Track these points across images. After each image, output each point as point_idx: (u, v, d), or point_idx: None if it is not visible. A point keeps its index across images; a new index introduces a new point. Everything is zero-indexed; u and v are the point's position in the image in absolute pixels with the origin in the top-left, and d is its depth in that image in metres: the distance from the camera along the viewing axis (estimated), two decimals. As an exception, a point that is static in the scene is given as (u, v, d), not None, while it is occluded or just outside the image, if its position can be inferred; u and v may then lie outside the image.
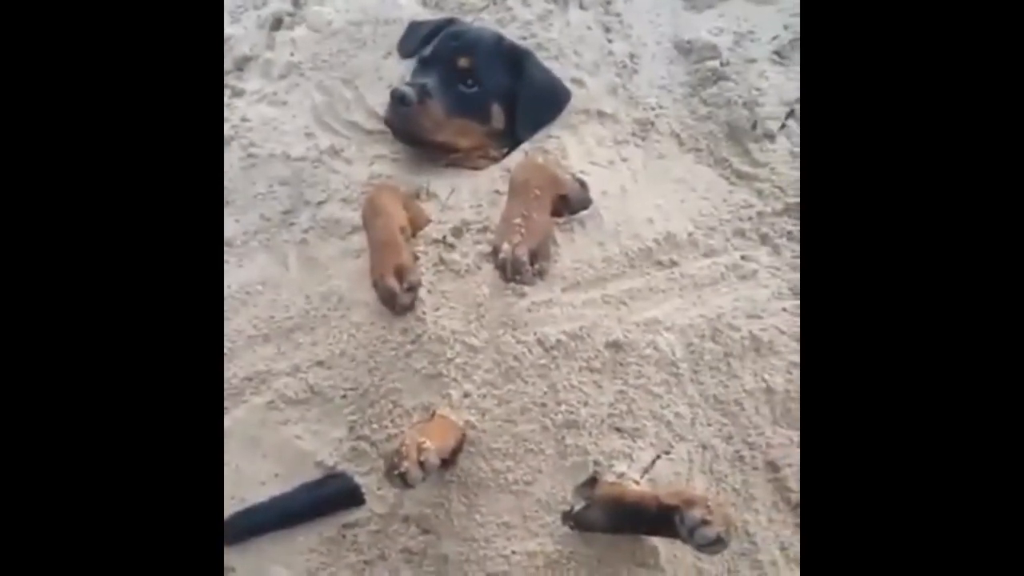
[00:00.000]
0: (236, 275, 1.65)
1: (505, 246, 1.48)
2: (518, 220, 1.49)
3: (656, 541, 1.40)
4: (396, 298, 1.47)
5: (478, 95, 1.67)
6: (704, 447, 1.47)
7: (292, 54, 1.88)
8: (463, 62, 1.66)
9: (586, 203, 1.58)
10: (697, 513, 1.20)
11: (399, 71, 1.81)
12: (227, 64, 1.94)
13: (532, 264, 1.49)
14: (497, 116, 1.70)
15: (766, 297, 1.56)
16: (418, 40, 1.80)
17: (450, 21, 1.81)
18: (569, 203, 1.56)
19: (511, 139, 1.72)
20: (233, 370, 1.56)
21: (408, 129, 1.65)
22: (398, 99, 1.61)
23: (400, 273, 1.48)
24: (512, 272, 1.48)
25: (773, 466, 1.46)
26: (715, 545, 1.19)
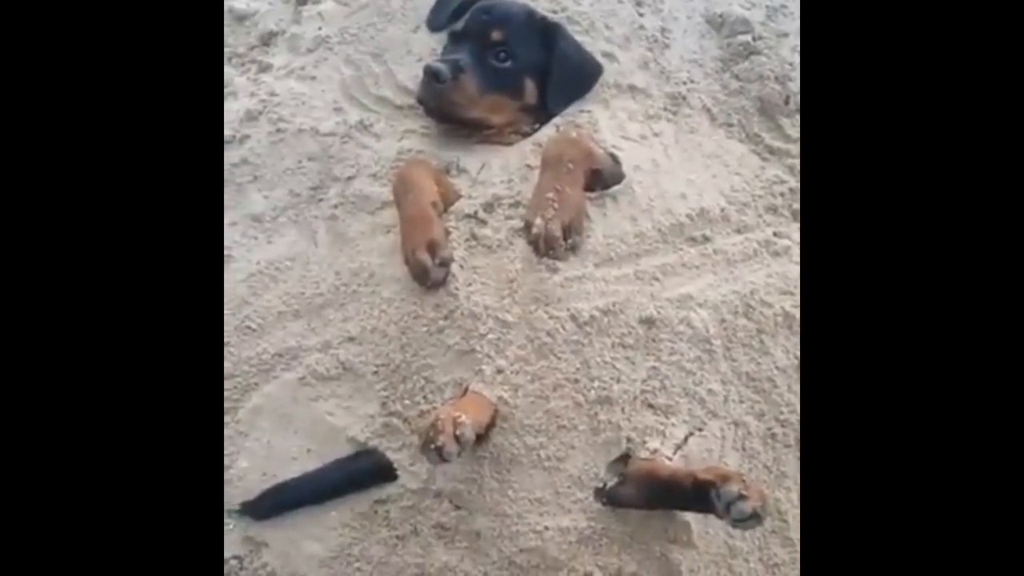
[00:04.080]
0: (265, 251, 1.64)
1: (538, 221, 1.47)
2: (551, 195, 1.48)
3: (689, 517, 1.40)
4: (428, 273, 1.46)
5: (511, 70, 1.65)
6: (736, 424, 1.47)
7: (320, 28, 1.85)
8: (496, 35, 1.63)
9: (619, 178, 1.57)
10: (733, 488, 1.20)
11: (428, 45, 1.79)
12: (253, 39, 1.92)
13: (565, 239, 1.48)
14: (530, 91, 1.68)
15: (798, 273, 1.54)
16: (447, 14, 1.78)
17: None
18: (602, 178, 1.55)
19: (543, 114, 1.70)
20: (263, 346, 1.56)
21: (441, 106, 1.63)
22: (431, 76, 1.59)
23: (432, 248, 1.46)
24: (545, 247, 1.47)
25: (807, 444, 1.46)
26: (751, 520, 1.20)
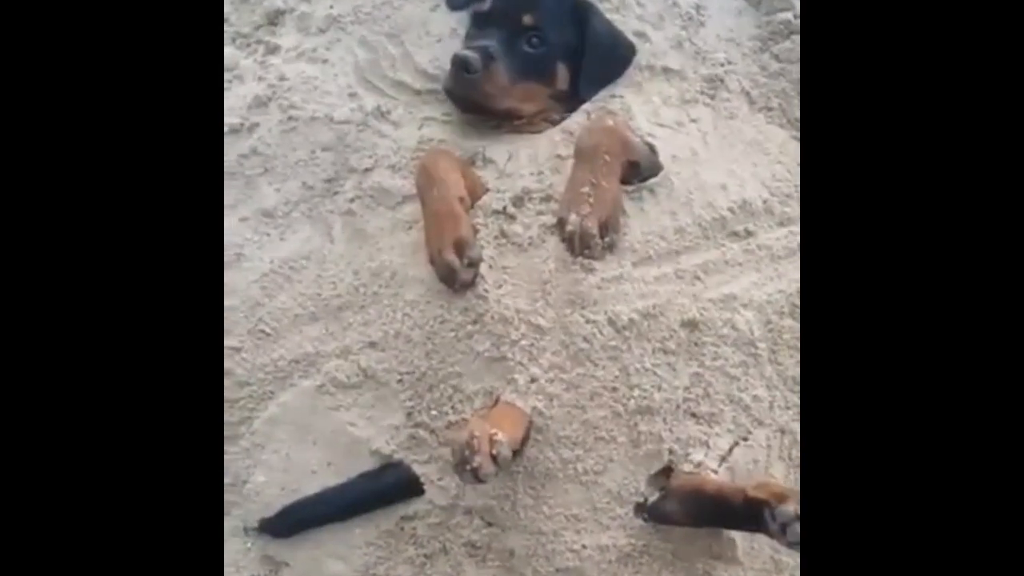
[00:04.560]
0: (278, 249, 1.55)
1: (573, 217, 1.38)
2: (586, 189, 1.38)
3: (734, 534, 1.35)
4: (456, 275, 1.37)
5: (544, 56, 1.54)
6: (783, 432, 1.41)
7: (331, 7, 1.74)
8: (527, 19, 1.52)
9: (656, 169, 1.47)
10: (790, 509, 1.14)
11: (448, 25, 1.68)
12: (258, 18, 1.80)
13: (602, 237, 1.39)
14: (562, 76, 1.57)
15: (844, 269, 1.47)
16: None
17: None
18: (639, 170, 1.45)
19: (574, 100, 1.59)
20: (279, 352, 1.48)
21: (472, 97, 1.52)
22: (461, 66, 1.48)
23: (460, 248, 1.37)
24: (580, 246, 1.38)
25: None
26: (809, 543, 1.13)
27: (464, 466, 1.16)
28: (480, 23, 1.58)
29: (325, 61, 1.70)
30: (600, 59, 1.59)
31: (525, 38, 1.53)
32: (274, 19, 1.80)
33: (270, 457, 1.44)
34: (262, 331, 1.49)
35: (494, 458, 1.17)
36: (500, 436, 1.19)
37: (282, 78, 1.67)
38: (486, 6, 1.57)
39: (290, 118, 1.63)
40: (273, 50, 1.74)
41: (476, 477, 1.16)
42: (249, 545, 1.44)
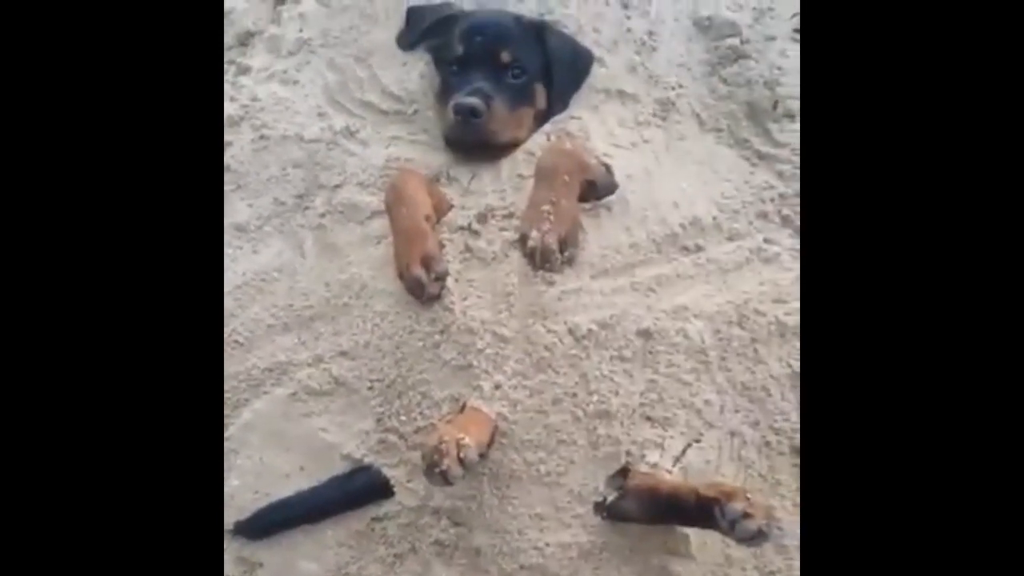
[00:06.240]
0: (251, 262, 1.61)
1: (534, 233, 1.45)
2: (546, 207, 1.46)
3: (687, 530, 1.40)
4: (424, 288, 1.44)
5: (525, 83, 1.63)
6: (732, 434, 1.47)
7: (301, 30, 1.80)
8: (506, 56, 1.61)
9: (612, 188, 1.55)
10: (738, 506, 1.20)
11: (416, 51, 1.75)
12: (229, 39, 1.86)
13: (561, 252, 1.46)
14: (541, 96, 1.65)
15: (789, 280, 1.54)
16: (418, 32, 1.74)
17: (448, 4, 1.75)
18: (596, 188, 1.53)
19: (549, 115, 1.68)
20: (253, 361, 1.53)
21: (478, 139, 1.58)
22: (469, 113, 1.54)
23: (427, 262, 1.44)
24: (541, 260, 1.45)
25: (798, 452, 1.46)
26: (756, 538, 1.20)
27: (433, 469, 1.22)
28: (459, 67, 1.63)
29: (295, 82, 1.76)
30: (565, 72, 1.68)
31: (507, 72, 1.61)
32: (244, 40, 1.85)
33: (244, 462, 1.48)
34: (236, 341, 1.54)
35: (461, 461, 1.24)
36: (467, 440, 1.26)
37: (254, 98, 1.73)
38: (460, 51, 1.63)
39: (262, 137, 1.69)
40: (244, 71, 1.80)
41: (445, 480, 1.22)
42: (224, 547, 1.47)
